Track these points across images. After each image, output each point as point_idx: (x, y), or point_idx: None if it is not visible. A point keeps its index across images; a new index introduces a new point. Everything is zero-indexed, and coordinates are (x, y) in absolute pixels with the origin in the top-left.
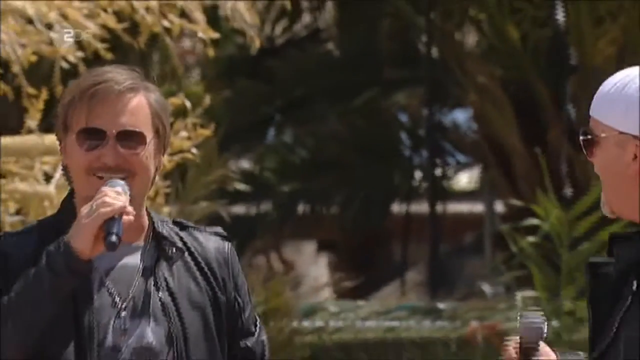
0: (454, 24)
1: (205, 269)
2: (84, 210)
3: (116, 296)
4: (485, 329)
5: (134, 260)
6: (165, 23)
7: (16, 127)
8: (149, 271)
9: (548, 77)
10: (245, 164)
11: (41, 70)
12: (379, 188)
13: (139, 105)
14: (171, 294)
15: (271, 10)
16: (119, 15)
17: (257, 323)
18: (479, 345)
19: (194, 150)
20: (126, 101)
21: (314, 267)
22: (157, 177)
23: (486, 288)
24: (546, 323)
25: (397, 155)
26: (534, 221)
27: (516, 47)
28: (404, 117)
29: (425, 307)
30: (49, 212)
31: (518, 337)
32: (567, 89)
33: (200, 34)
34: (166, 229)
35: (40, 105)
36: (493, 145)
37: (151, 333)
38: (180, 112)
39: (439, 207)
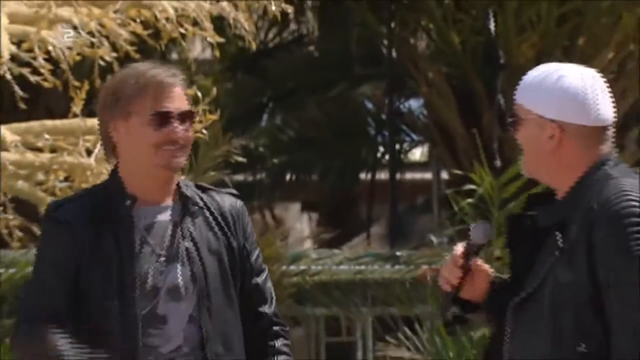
0: (409, 32)
1: (222, 222)
2: None
3: (155, 247)
4: (432, 272)
5: (166, 217)
6: (181, 30)
7: (64, 112)
8: (177, 225)
9: (482, 74)
10: (244, 141)
11: (83, 68)
12: (350, 160)
13: (183, 92)
14: (194, 243)
15: (264, 19)
16: (144, 24)
17: (265, 270)
18: (428, 284)
19: (204, 131)
20: (178, 90)
21: (299, 223)
22: None
23: (434, 239)
24: (492, 227)
25: (364, 134)
26: (471, 187)
27: (457, 49)
28: (369, 105)
29: (386, 255)
30: (91, 180)
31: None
32: (497, 83)
33: (208, 38)
34: (190, 191)
35: (83, 95)
36: (439, 127)
37: (180, 275)
38: (193, 101)
39: (397, 176)
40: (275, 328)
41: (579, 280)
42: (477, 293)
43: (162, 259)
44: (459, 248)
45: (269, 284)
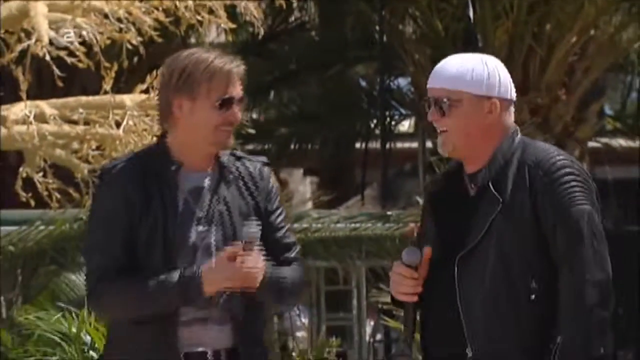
0: (398, 19)
1: (252, 187)
2: (228, 270)
3: (196, 209)
4: (418, 228)
5: (206, 183)
6: (199, 17)
7: (97, 90)
8: (214, 191)
9: None
10: (254, 115)
11: (113, 50)
12: (346, 131)
13: (239, 78)
14: (227, 207)
15: (271, 8)
16: (166, 12)
17: (283, 227)
18: (414, 239)
19: None
20: (238, 77)
21: (302, 186)
22: None
23: (420, 200)
24: (419, 252)
25: (358, 109)
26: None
27: (440, 34)
28: (363, 83)
29: (378, 214)
30: (120, 149)
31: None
32: None
33: (222, 25)
34: (226, 159)
35: (112, 74)
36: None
37: (213, 235)
38: None
39: (388, 145)
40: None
41: (525, 227)
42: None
43: (201, 220)
44: (401, 268)
45: (289, 239)
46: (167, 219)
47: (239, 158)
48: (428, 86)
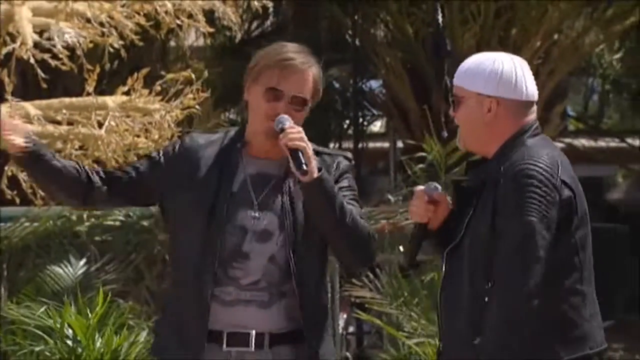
0: (370, 23)
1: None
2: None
3: (253, 192)
4: (390, 226)
5: (272, 171)
6: (178, 21)
7: (79, 91)
8: (280, 180)
9: (432, 59)
10: (232, 115)
11: (95, 53)
12: (320, 131)
13: (308, 79)
14: (290, 198)
15: (248, 12)
16: (147, 16)
17: (357, 207)
18: (386, 236)
19: (197, 107)
20: (301, 75)
21: None
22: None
23: (391, 198)
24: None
25: (332, 109)
26: (422, 154)
27: (411, 38)
28: (337, 85)
29: None
30: (102, 148)
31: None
32: (444, 66)
33: (201, 29)
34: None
35: (95, 76)
36: (395, 104)
37: (270, 222)
38: (188, 82)
39: (360, 144)
40: None
41: (486, 231)
42: (438, 221)
43: (256, 206)
44: (420, 188)
45: (361, 220)
46: (218, 192)
47: (318, 153)
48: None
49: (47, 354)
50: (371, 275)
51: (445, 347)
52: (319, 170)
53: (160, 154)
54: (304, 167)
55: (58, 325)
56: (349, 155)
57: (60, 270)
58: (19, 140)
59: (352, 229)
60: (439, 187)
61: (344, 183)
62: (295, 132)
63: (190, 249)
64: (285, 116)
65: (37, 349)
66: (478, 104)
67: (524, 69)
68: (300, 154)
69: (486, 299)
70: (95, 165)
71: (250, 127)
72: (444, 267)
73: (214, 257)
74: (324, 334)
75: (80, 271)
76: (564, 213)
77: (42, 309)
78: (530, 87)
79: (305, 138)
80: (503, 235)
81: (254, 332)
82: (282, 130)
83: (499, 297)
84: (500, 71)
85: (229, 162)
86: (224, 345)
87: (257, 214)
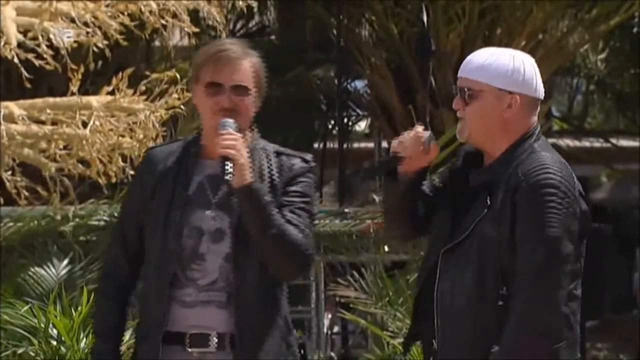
0: (355, 23)
1: (276, 181)
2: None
3: (209, 194)
4: (375, 225)
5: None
6: (163, 21)
7: (64, 91)
8: (207, 177)
9: (416, 59)
10: None
11: (80, 53)
12: (306, 131)
13: (246, 67)
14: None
15: (233, 12)
16: (131, 16)
17: (291, 219)
18: (371, 236)
19: (182, 107)
20: (238, 64)
21: None
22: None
23: (376, 198)
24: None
25: (317, 110)
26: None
27: (396, 38)
28: (321, 85)
29: (335, 211)
30: (86, 148)
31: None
32: (429, 66)
33: (186, 29)
34: (257, 153)
35: (79, 76)
36: (380, 104)
37: (223, 221)
38: (173, 82)
39: (345, 144)
40: None
41: (503, 235)
42: (412, 168)
43: (213, 206)
44: (422, 130)
45: (297, 221)
46: (172, 200)
47: (279, 154)
48: (459, 74)
49: (31, 354)
50: (356, 275)
51: (443, 347)
52: (261, 180)
53: (133, 195)
54: (227, 176)
55: (42, 325)
56: (308, 157)
57: (43, 272)
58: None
59: (276, 242)
60: (433, 136)
61: (295, 187)
62: (227, 139)
63: (152, 257)
64: (230, 121)
65: (19, 350)
66: (497, 99)
67: (534, 65)
68: (227, 162)
69: (500, 303)
70: (80, 165)
71: (204, 128)
72: (439, 265)
73: (171, 261)
74: (265, 338)
75: (64, 271)
76: (581, 226)
77: (26, 308)
78: (541, 86)
79: (239, 144)
80: (526, 246)
81: (215, 333)
82: None
83: (524, 308)
84: (523, 69)
85: (185, 167)
86: (187, 347)
87: (213, 214)
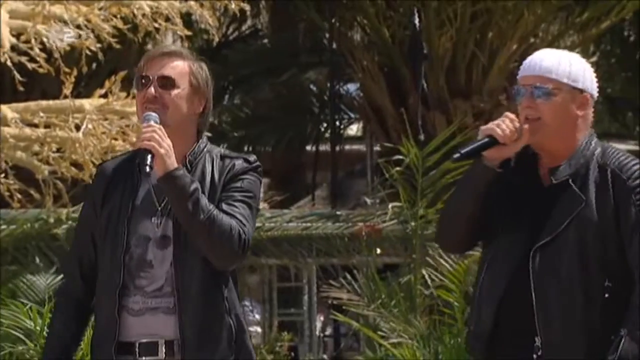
0: (347, 26)
1: (217, 183)
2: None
3: (156, 201)
4: (367, 228)
5: None
6: (156, 25)
7: (57, 94)
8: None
9: (408, 62)
10: (210, 118)
11: (73, 56)
12: (298, 134)
13: (178, 64)
14: (159, 195)
15: (225, 16)
16: (124, 19)
17: (239, 214)
18: (363, 238)
19: None
20: (167, 60)
21: None
22: (201, 119)
23: (368, 201)
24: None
25: (309, 112)
26: (399, 157)
27: (388, 42)
28: (314, 88)
29: (328, 214)
30: (79, 151)
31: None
32: (421, 69)
33: (179, 32)
34: (201, 157)
35: (72, 79)
36: (372, 107)
37: (168, 227)
38: None
39: (337, 147)
40: None
41: (605, 228)
42: (503, 156)
43: (158, 212)
44: (514, 117)
45: (232, 213)
46: (120, 209)
47: (223, 157)
48: (524, 74)
49: (27, 356)
50: (349, 277)
51: (546, 342)
52: (179, 169)
53: (85, 209)
54: (146, 167)
55: (39, 328)
56: (251, 158)
57: (36, 275)
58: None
59: (208, 227)
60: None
61: (236, 184)
62: (146, 132)
63: (103, 267)
64: (152, 114)
65: (19, 348)
66: (571, 97)
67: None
68: (147, 154)
69: (606, 295)
70: (73, 168)
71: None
72: (531, 263)
73: (120, 270)
74: (210, 341)
75: (55, 275)
76: None
77: (24, 310)
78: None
79: (157, 135)
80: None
81: (163, 340)
82: None
83: None
84: (588, 67)
85: (132, 176)
86: (137, 356)
87: (158, 221)
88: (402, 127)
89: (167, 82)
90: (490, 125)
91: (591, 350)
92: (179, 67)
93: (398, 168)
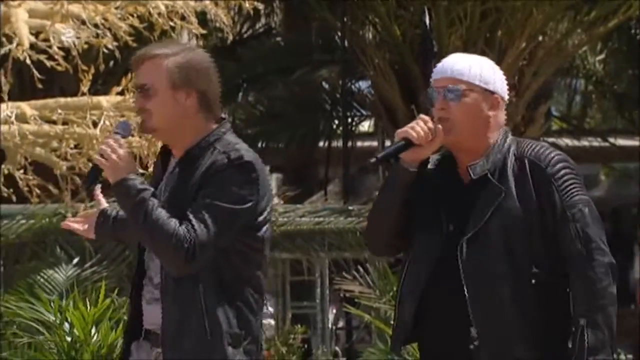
0: (359, 25)
1: (198, 178)
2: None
3: (162, 195)
4: None
5: (157, 172)
6: (171, 23)
7: (75, 91)
8: (167, 179)
9: (419, 60)
10: (224, 115)
11: (91, 54)
12: (311, 131)
13: (152, 66)
14: (169, 194)
15: (240, 14)
16: (140, 18)
17: (197, 211)
18: None
19: None
20: (142, 66)
21: None
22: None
23: None
24: None
25: (321, 109)
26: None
27: (399, 40)
28: (326, 85)
29: (340, 209)
30: (96, 147)
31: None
32: (431, 67)
33: (194, 30)
34: (207, 151)
35: (89, 77)
36: (384, 104)
37: None
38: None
39: (349, 143)
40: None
41: (528, 215)
42: (419, 157)
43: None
44: (426, 117)
45: (194, 220)
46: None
47: (221, 152)
48: (436, 77)
49: (45, 346)
50: (361, 270)
51: (482, 332)
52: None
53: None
54: (90, 185)
55: (57, 320)
56: (234, 155)
57: (54, 269)
58: (90, 233)
59: (150, 234)
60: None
61: (211, 183)
62: (104, 147)
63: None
64: (126, 123)
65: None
66: (484, 99)
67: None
68: (93, 169)
69: (533, 282)
70: (90, 164)
71: None
72: (459, 256)
73: (141, 259)
74: (185, 334)
75: (75, 269)
76: None
77: (46, 302)
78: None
79: (110, 148)
80: (569, 215)
81: (161, 331)
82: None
83: (593, 270)
84: (499, 71)
85: (159, 171)
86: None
87: None
88: None
89: (144, 90)
90: (405, 128)
91: (527, 334)
92: (153, 70)
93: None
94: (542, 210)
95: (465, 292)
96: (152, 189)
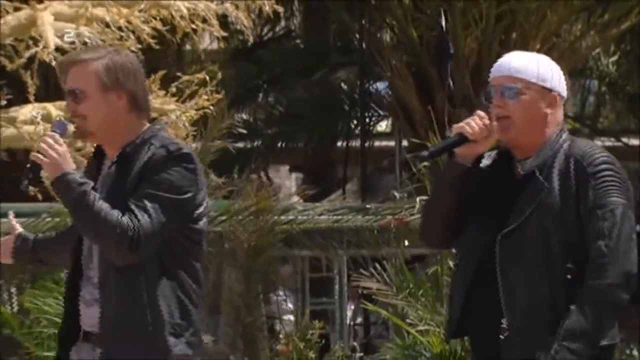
0: (377, 27)
1: (136, 174)
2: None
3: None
4: (396, 221)
5: (105, 170)
6: (193, 26)
7: None
8: (104, 177)
9: (435, 62)
10: (244, 116)
11: None
12: (329, 131)
13: (80, 70)
14: (107, 191)
15: (260, 17)
16: (163, 21)
17: (140, 208)
18: (392, 230)
19: (211, 107)
20: (70, 70)
21: (288, 182)
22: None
23: (396, 195)
24: None
25: (340, 110)
26: (426, 152)
27: (415, 42)
28: (344, 86)
29: (358, 207)
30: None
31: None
32: (447, 69)
33: (215, 33)
34: (142, 148)
35: None
36: (401, 104)
37: None
38: (203, 83)
39: (367, 143)
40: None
41: (567, 213)
42: (474, 153)
43: None
44: (483, 113)
45: (134, 210)
46: None
47: (160, 146)
48: (494, 75)
49: None
50: (378, 268)
51: (512, 324)
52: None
53: None
54: (30, 182)
55: None
56: (172, 147)
57: None
58: (6, 258)
59: (93, 226)
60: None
61: (150, 176)
62: (42, 145)
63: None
64: (62, 122)
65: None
66: (541, 97)
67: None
68: (34, 167)
69: (569, 277)
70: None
71: None
72: (498, 249)
73: (77, 261)
74: (125, 332)
75: None
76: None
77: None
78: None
79: (47, 146)
80: (598, 211)
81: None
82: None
83: (603, 267)
84: (558, 69)
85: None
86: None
87: None
88: (429, 124)
89: (75, 95)
90: (461, 123)
91: (555, 329)
92: (82, 74)
93: (425, 163)
94: (579, 207)
95: (499, 286)
96: (92, 183)
